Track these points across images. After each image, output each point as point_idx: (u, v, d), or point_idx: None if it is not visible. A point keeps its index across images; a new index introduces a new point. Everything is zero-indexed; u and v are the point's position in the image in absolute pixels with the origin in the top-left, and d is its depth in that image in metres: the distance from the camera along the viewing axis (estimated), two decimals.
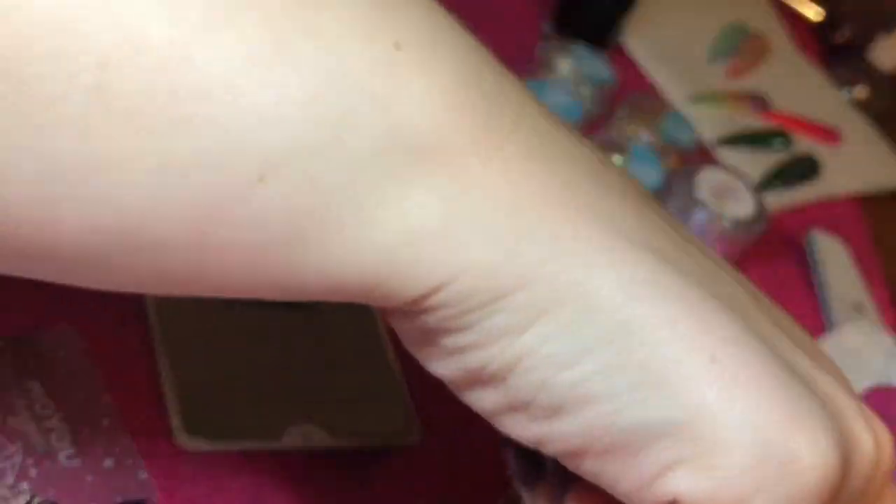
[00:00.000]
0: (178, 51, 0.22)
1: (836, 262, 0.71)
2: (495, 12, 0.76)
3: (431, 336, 0.27)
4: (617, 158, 0.66)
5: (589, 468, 0.27)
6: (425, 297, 0.26)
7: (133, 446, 0.41)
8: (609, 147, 0.67)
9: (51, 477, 0.39)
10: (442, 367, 0.28)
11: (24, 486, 0.38)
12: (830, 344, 0.62)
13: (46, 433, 0.40)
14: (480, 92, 0.26)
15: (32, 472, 0.39)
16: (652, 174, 0.65)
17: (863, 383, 0.56)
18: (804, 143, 0.81)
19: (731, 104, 0.81)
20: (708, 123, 0.78)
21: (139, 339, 0.45)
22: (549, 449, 0.28)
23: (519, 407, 0.27)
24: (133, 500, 0.40)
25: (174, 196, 0.23)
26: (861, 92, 0.94)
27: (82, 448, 0.41)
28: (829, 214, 0.78)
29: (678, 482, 0.26)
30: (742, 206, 0.65)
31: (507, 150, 0.26)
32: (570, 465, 0.28)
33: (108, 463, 0.40)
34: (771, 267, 0.69)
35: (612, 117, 0.72)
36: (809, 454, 0.25)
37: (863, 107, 0.93)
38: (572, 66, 0.72)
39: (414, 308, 0.26)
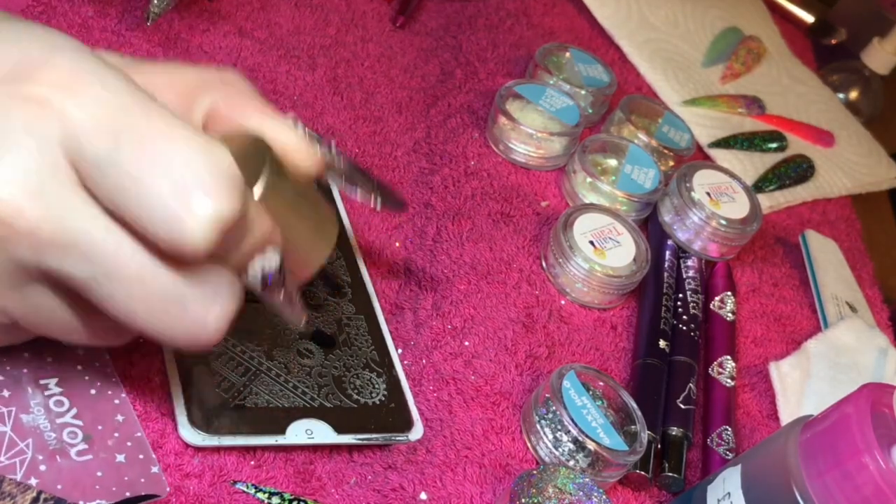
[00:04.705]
0: None
1: (829, 261, 0.71)
2: (493, 18, 0.77)
3: None
4: (614, 160, 0.67)
5: None
6: None
7: (146, 442, 0.42)
8: (607, 149, 0.67)
9: (61, 472, 0.39)
10: None
11: (32, 481, 0.38)
12: (825, 342, 0.62)
13: (59, 429, 0.41)
14: None
15: (42, 467, 0.39)
16: (649, 175, 0.66)
17: (856, 381, 0.56)
18: (798, 145, 0.82)
19: (726, 107, 0.82)
20: (704, 126, 0.78)
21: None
22: None
23: None
24: (143, 495, 0.40)
25: None
26: (854, 94, 0.95)
27: (95, 444, 0.41)
28: (822, 215, 0.79)
29: None
30: (737, 207, 0.66)
31: None
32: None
33: (119, 458, 0.41)
34: (765, 266, 0.70)
35: (610, 120, 0.72)
36: None
37: (856, 109, 0.94)
38: (570, 69, 0.73)
39: None
